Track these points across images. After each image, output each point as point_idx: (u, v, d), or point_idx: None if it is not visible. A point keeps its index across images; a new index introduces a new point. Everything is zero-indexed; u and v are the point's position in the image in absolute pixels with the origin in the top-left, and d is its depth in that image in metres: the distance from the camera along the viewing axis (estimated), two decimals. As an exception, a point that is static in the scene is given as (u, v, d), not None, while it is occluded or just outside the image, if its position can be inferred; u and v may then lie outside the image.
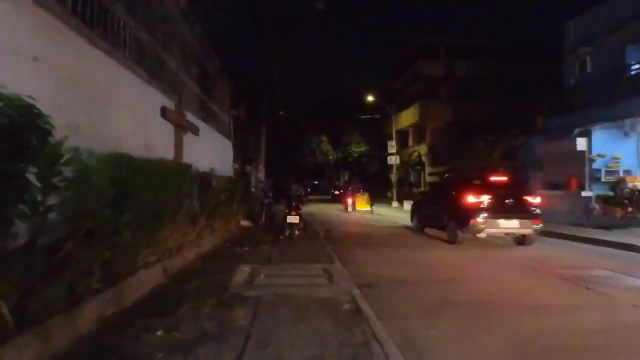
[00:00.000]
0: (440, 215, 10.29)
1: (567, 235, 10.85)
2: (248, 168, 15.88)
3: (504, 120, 19.93)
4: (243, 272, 5.82)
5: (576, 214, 12.94)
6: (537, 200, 9.55)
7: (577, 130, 12.68)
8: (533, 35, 62.25)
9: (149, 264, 4.72)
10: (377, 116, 33.59)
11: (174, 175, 4.92)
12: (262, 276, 5.67)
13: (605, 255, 8.27)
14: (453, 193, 9.95)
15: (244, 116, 14.42)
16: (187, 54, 7.53)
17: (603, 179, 12.55)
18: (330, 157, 36.73)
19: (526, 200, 9.40)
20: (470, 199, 9.17)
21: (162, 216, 4.55)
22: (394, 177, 31.97)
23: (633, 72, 13.76)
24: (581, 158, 13.04)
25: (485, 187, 9.58)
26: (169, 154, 5.75)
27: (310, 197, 37.07)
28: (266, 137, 15.58)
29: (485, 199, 9.12)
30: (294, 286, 5.08)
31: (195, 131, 7.27)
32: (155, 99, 5.90)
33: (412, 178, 32.84)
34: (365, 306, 4.26)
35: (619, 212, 11.97)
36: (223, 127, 11.82)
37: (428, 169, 30.46)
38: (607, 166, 12.64)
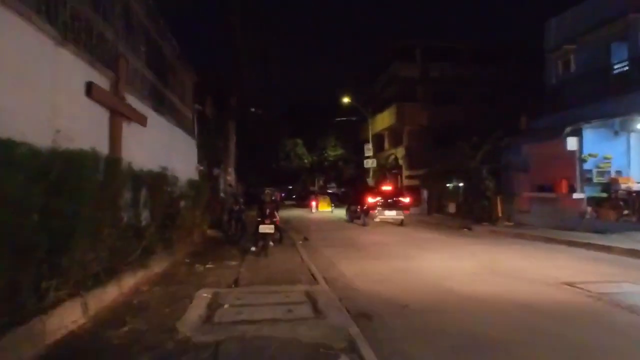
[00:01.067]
0: (358, 210, 16.54)
1: (564, 241, 10.09)
2: (216, 171, 14.35)
3: (483, 122, 19.43)
4: (200, 302, 4.42)
5: (566, 217, 12.27)
6: (407, 199, 16.67)
7: (568, 129, 12.03)
8: (510, 37, 63.68)
9: (58, 300, 3.28)
10: (354, 118, 32.70)
11: (93, 172, 3.50)
12: (225, 307, 4.29)
13: (615, 264, 7.41)
14: (362, 196, 16.73)
15: (211, 113, 12.93)
16: (133, 26, 6.08)
17: (595, 180, 11.93)
18: (306, 161, 35.40)
19: (400, 200, 16.36)
20: (370, 199, 16.09)
21: (72, 230, 3.13)
22: (370, 181, 31.11)
23: (619, 70, 13.35)
24: (571, 158, 12.41)
25: (379, 192, 17.01)
26: (101, 146, 4.31)
27: (285, 202, 35.70)
28: (237, 137, 14.24)
29: (379, 200, 16.04)
30: (269, 323, 3.74)
31: (142, 121, 5.82)
32: (75, 69, 4.42)
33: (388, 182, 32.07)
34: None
35: (612, 215, 11.36)
36: (185, 123, 10.33)
37: (405, 172, 29.76)
38: (598, 167, 12.03)
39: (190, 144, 10.44)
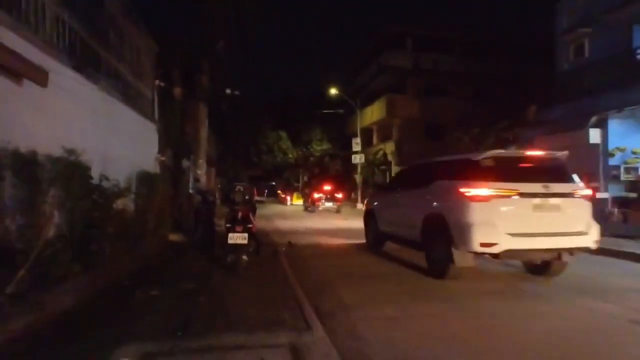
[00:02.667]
0: (309, 202, 24.18)
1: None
2: (186, 163, 12.29)
3: (481, 115, 17.97)
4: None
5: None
6: (340, 195, 24.03)
7: (593, 119, 10.53)
8: (510, 25, 62.46)
9: None
10: (341, 111, 30.86)
11: None
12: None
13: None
14: (309, 191, 25.82)
15: (179, 94, 10.85)
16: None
17: (622, 178, 10.47)
18: (290, 156, 33.41)
19: (336, 195, 23.53)
20: (315, 194, 23.78)
21: None
22: (358, 177, 29.43)
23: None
24: (593, 152, 10.92)
25: (322, 188, 24.70)
26: None
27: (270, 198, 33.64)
28: (214, 127, 12.29)
29: (321, 194, 23.48)
30: None
31: (38, 78, 3.78)
32: None
33: (375, 178, 30.34)
34: None
35: (644, 218, 9.92)
36: (141, 102, 8.29)
37: (395, 169, 28.15)
38: (625, 162, 10.58)
39: (148, 128, 8.39)
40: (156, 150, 8.91)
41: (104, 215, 4.77)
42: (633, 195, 10.17)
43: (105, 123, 5.86)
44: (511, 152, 7.52)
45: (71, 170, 4.17)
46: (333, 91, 29.70)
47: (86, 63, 5.46)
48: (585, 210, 5.38)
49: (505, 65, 24.94)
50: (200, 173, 10.65)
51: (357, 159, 29.43)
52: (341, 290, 5.21)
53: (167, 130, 9.85)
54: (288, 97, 37.24)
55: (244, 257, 5.68)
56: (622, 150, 10.50)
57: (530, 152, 6.04)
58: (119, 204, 5.25)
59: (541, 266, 5.80)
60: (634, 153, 10.52)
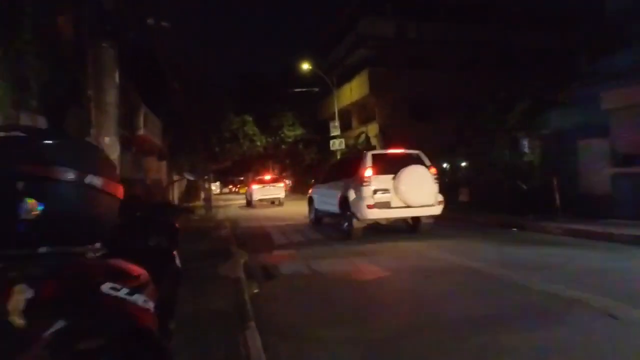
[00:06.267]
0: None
1: None
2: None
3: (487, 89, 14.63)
4: None
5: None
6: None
7: None
8: None
9: None
10: (316, 89, 26.75)
11: None
12: None
13: None
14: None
15: (63, 23, 6.41)
16: None
17: None
18: (258, 143, 28.97)
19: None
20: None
21: None
22: (322, 169, 25.60)
23: None
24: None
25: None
26: None
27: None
28: (156, 107, 7.88)
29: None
30: None
31: None
32: None
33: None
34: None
35: None
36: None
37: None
38: None
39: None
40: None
41: None
42: None
43: None
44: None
45: None
46: (305, 66, 25.54)
47: None
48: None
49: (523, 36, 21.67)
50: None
51: (337, 144, 25.53)
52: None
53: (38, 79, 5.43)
54: (254, 76, 32.61)
55: None
56: None
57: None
58: None
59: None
60: None
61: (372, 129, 25.89)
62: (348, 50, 27.31)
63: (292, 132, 29.24)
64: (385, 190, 7.87)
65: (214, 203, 17.87)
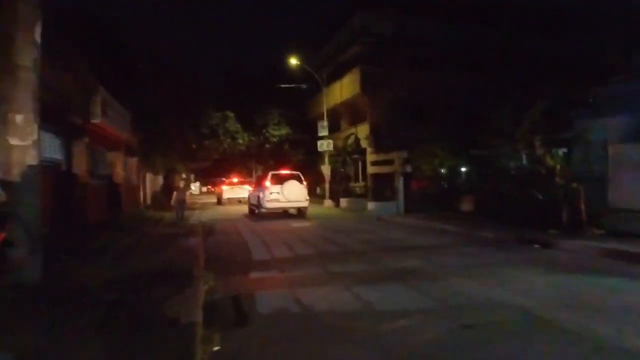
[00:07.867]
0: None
1: None
2: None
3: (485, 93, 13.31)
4: None
5: None
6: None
7: None
8: None
9: None
10: (304, 85, 25.12)
11: None
12: None
13: None
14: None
15: None
16: None
17: None
18: (241, 141, 27.06)
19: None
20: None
21: None
22: (325, 168, 24.05)
23: None
24: None
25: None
26: None
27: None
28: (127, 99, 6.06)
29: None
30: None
31: None
32: None
33: (342, 168, 24.89)
34: None
35: None
36: None
37: (371, 157, 22.96)
38: None
39: None
40: None
41: None
42: None
43: None
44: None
45: None
46: (294, 61, 23.94)
47: None
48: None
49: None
50: (17, 144, 4.54)
51: (325, 145, 24.04)
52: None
53: None
54: (239, 71, 30.76)
55: None
56: None
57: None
58: None
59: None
60: None
61: (362, 130, 24.36)
62: (340, 47, 25.80)
63: (277, 132, 27.45)
64: (277, 193, 14.39)
65: (188, 205, 15.88)
